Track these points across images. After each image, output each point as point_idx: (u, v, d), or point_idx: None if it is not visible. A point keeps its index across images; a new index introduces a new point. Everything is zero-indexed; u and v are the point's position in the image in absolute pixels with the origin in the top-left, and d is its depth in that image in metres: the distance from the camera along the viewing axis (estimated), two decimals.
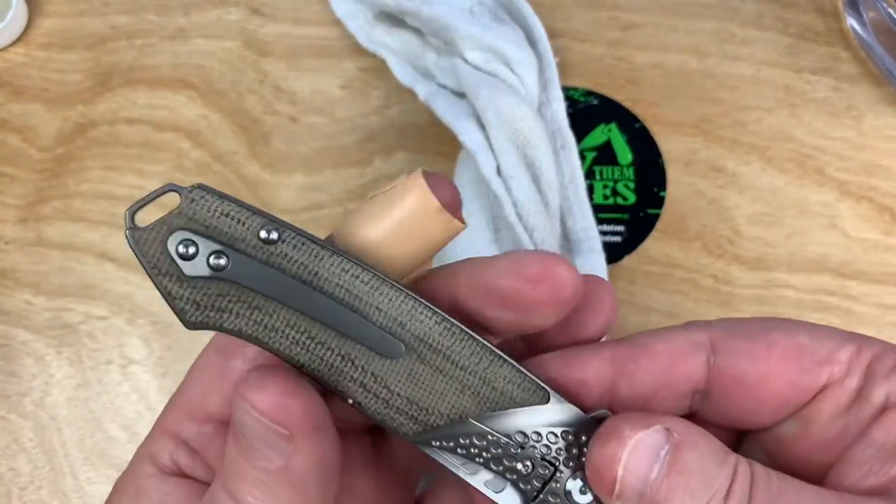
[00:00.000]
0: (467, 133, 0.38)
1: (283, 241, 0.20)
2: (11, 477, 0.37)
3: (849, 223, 0.39)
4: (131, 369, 0.39)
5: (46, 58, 0.46)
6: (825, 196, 0.40)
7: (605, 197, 0.41)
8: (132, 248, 0.19)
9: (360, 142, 0.43)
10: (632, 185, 0.41)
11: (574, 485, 0.21)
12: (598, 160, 0.41)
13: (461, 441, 0.21)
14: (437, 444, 0.21)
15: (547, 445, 0.21)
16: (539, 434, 0.21)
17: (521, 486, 0.21)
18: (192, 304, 0.20)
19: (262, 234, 0.20)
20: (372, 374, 0.20)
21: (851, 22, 0.43)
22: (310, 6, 0.46)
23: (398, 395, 0.20)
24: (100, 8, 0.47)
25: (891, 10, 0.40)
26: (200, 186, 0.20)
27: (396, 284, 0.21)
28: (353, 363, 0.20)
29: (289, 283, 0.20)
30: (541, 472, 0.21)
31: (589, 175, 0.41)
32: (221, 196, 0.20)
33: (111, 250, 0.41)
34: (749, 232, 0.39)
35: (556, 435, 0.21)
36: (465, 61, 0.40)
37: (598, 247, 0.37)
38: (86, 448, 0.38)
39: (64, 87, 0.46)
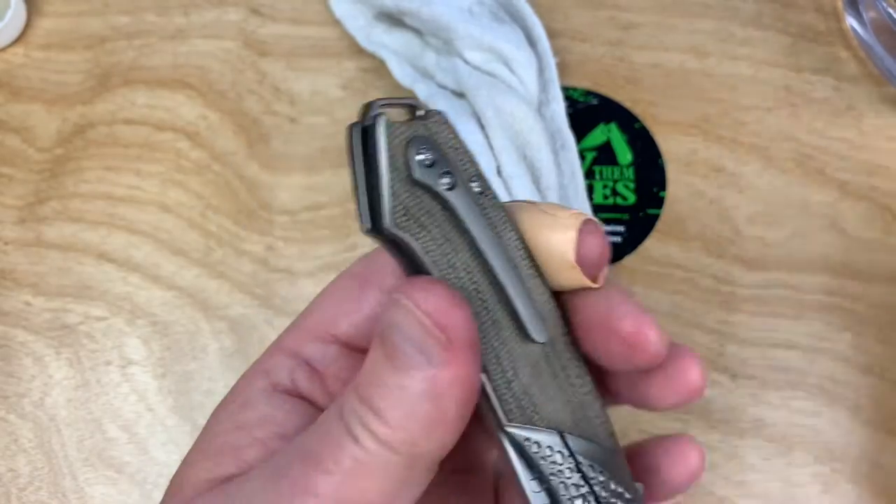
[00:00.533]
0: (467, 133, 0.38)
1: (485, 195, 0.21)
2: (11, 477, 0.37)
3: (849, 223, 0.39)
4: (130, 370, 0.39)
5: (45, 58, 0.46)
6: (825, 196, 0.40)
7: (605, 197, 0.40)
8: (375, 136, 0.19)
9: None
10: (632, 185, 0.41)
11: None
12: (597, 160, 0.41)
13: (544, 451, 0.21)
14: (525, 442, 0.21)
15: (604, 487, 0.21)
16: (604, 477, 0.21)
17: None
18: (403, 209, 0.19)
19: (474, 182, 0.21)
20: (509, 350, 0.20)
21: (851, 22, 0.43)
22: (309, 6, 0.46)
23: (520, 380, 0.21)
24: (99, 8, 0.47)
25: (891, 10, 0.40)
26: (442, 113, 0.20)
27: (546, 283, 0.21)
28: (498, 332, 0.20)
29: (479, 233, 0.20)
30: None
31: (589, 175, 0.41)
32: (454, 131, 0.21)
33: (110, 251, 0.41)
34: (749, 232, 0.39)
35: (611, 486, 0.21)
36: (465, 61, 0.40)
37: None
38: (85, 449, 0.38)
39: (63, 88, 0.46)
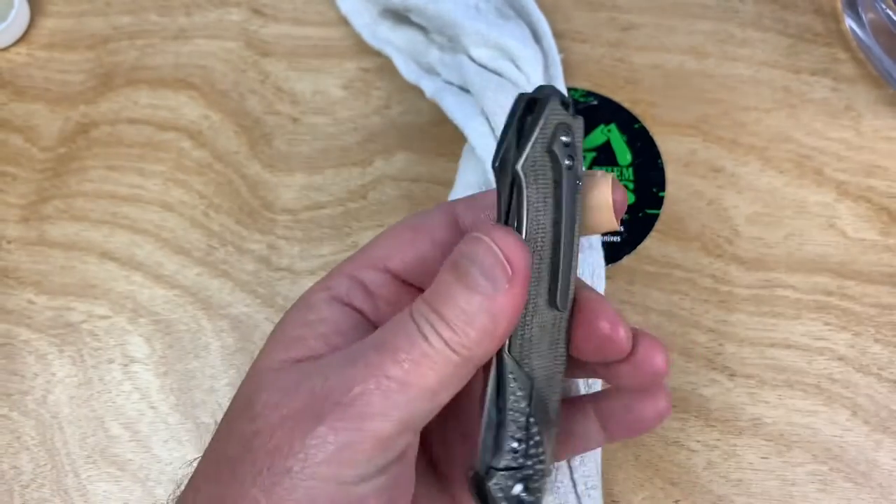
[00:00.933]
0: (478, 136, 0.38)
1: (580, 186, 0.26)
2: (13, 475, 0.38)
3: (847, 223, 0.39)
4: (133, 368, 0.39)
5: (48, 58, 0.47)
6: (824, 196, 0.40)
7: None
8: (543, 107, 0.24)
9: (360, 142, 0.43)
10: (631, 186, 0.41)
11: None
12: (597, 160, 0.41)
13: (517, 388, 0.26)
14: (510, 373, 0.25)
15: (535, 445, 0.26)
16: (538, 438, 0.26)
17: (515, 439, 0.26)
18: (533, 162, 0.24)
19: (579, 175, 0.25)
20: (535, 303, 0.25)
21: (850, 23, 0.43)
22: (311, 7, 0.47)
23: (531, 329, 0.25)
24: (102, 8, 0.48)
25: (889, 12, 0.40)
26: (580, 118, 0.25)
27: (577, 265, 0.26)
28: (537, 286, 0.25)
29: (567, 210, 0.25)
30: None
31: None
32: (583, 135, 0.26)
33: (113, 249, 0.42)
34: (748, 232, 0.39)
35: (539, 449, 0.26)
36: (471, 58, 0.40)
37: (598, 244, 0.38)
38: (87, 446, 0.38)
39: (66, 87, 0.46)
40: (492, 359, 0.25)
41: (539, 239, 0.25)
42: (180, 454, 0.38)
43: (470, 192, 0.38)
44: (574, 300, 0.27)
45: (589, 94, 0.43)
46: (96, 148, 0.44)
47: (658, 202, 0.40)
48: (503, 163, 0.24)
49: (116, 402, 0.39)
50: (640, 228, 0.40)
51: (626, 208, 0.27)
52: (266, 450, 0.22)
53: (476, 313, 0.23)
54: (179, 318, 0.40)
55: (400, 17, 0.44)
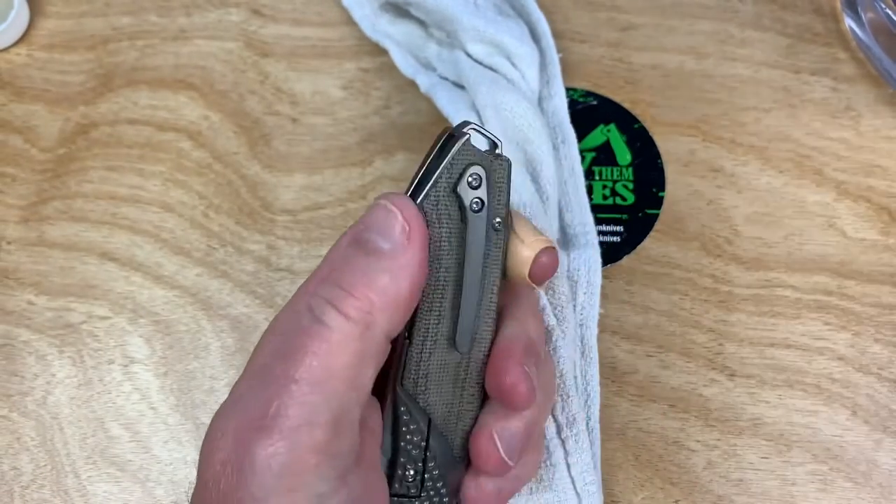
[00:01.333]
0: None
1: (499, 232, 0.26)
2: (13, 476, 0.38)
3: (847, 223, 0.39)
4: (133, 369, 0.39)
5: (48, 59, 0.47)
6: (823, 196, 0.40)
7: (605, 197, 0.41)
8: (451, 145, 0.24)
9: (360, 142, 0.43)
10: (630, 186, 0.41)
11: None
12: (597, 160, 0.41)
13: (411, 422, 0.26)
14: (402, 406, 0.26)
15: (433, 479, 0.27)
16: (438, 472, 0.27)
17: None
18: (435, 200, 0.25)
19: (497, 220, 0.26)
20: (435, 340, 0.26)
21: (850, 23, 0.43)
22: (310, 7, 0.47)
23: (429, 364, 0.26)
24: (101, 9, 0.48)
25: (889, 11, 0.40)
26: (506, 160, 0.26)
27: (495, 320, 0.27)
28: (438, 324, 0.26)
29: (473, 254, 0.26)
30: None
31: (588, 175, 0.41)
32: (508, 178, 0.26)
33: (113, 250, 0.42)
34: (747, 232, 0.39)
35: (438, 484, 0.27)
36: (467, 54, 0.40)
37: (595, 242, 0.37)
38: (87, 447, 0.38)
39: (66, 88, 0.46)
40: (390, 390, 0.26)
41: (441, 277, 0.25)
42: (180, 455, 0.38)
43: None
44: (491, 342, 0.27)
45: (588, 94, 0.43)
46: (96, 149, 0.44)
47: (658, 202, 0.40)
48: (411, 196, 0.25)
49: (116, 403, 0.39)
50: (640, 228, 0.40)
51: (552, 273, 0.27)
52: (217, 498, 0.22)
53: (376, 273, 0.23)
54: (179, 319, 0.40)
55: (400, 11, 0.44)
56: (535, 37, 0.41)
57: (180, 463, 0.37)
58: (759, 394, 0.36)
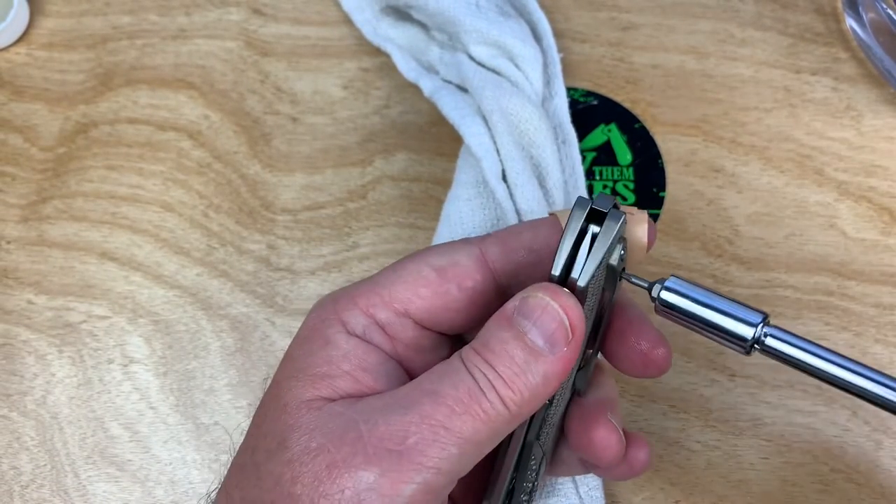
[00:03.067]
0: (473, 136, 0.38)
1: (605, 295, 0.27)
2: (13, 475, 0.38)
3: (847, 223, 0.39)
4: (132, 368, 0.39)
5: (48, 58, 0.47)
6: (824, 196, 0.40)
7: None
8: (612, 228, 0.24)
9: (360, 142, 0.43)
10: (631, 186, 0.41)
11: None
12: (597, 160, 0.41)
13: (533, 462, 0.28)
14: (533, 452, 0.28)
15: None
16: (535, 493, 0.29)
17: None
18: (593, 279, 0.24)
19: (622, 272, 0.27)
20: (564, 393, 0.27)
21: (850, 22, 0.43)
22: (311, 6, 0.47)
23: (556, 416, 0.27)
24: (101, 8, 0.48)
25: (890, 11, 0.40)
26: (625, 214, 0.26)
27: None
28: (571, 376, 0.27)
29: (604, 314, 0.27)
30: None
31: (589, 175, 0.41)
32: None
33: (112, 250, 0.42)
34: (748, 232, 0.39)
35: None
36: (470, 57, 0.40)
37: None
38: (87, 447, 0.38)
39: (65, 87, 0.46)
40: (515, 432, 0.26)
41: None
42: (180, 454, 0.38)
43: (467, 192, 0.38)
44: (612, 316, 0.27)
45: (589, 93, 0.43)
46: (96, 148, 0.44)
47: (658, 202, 0.40)
48: (562, 278, 0.24)
49: (116, 403, 0.39)
50: None
51: (654, 242, 0.28)
52: (310, 498, 0.22)
53: (531, 373, 0.23)
54: (179, 319, 0.40)
55: (401, 14, 0.44)
56: (535, 36, 0.41)
57: (180, 463, 0.37)
58: (759, 394, 0.36)
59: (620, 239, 0.25)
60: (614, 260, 0.25)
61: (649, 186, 0.41)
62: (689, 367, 0.37)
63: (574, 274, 0.24)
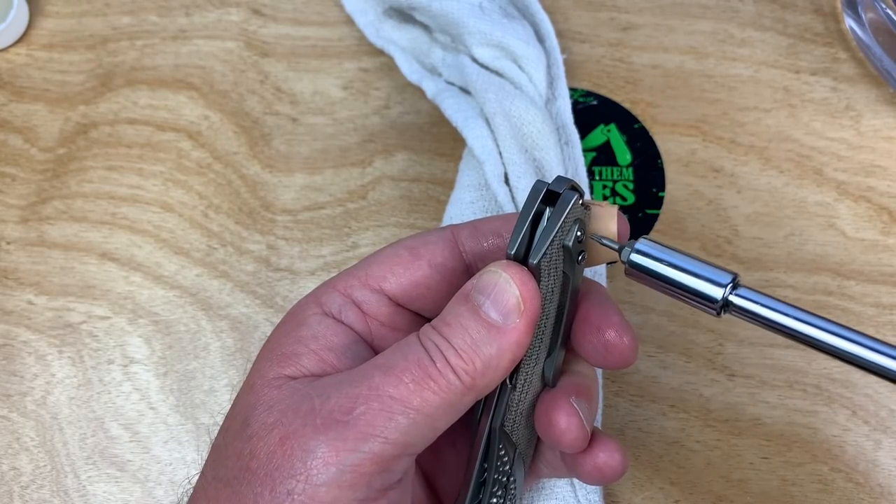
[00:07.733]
0: (476, 138, 0.38)
1: (568, 280, 0.26)
2: (13, 476, 0.38)
3: (847, 223, 0.39)
4: (132, 369, 0.39)
5: (48, 58, 0.47)
6: (823, 196, 0.40)
7: (605, 197, 0.41)
8: (565, 204, 0.24)
9: (360, 142, 0.43)
10: (631, 186, 0.41)
11: None
12: (597, 161, 0.41)
13: (503, 455, 0.28)
14: (500, 442, 0.27)
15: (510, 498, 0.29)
16: (513, 491, 0.29)
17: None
18: (548, 258, 0.24)
19: (580, 256, 0.26)
20: (531, 380, 0.27)
21: (850, 22, 0.43)
22: (311, 7, 0.47)
23: (525, 403, 0.27)
24: (101, 9, 0.48)
25: (889, 11, 0.40)
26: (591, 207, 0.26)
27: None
28: (534, 366, 0.26)
29: (569, 303, 0.26)
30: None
31: (588, 175, 0.41)
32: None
33: (112, 250, 0.42)
34: (747, 232, 0.39)
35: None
36: (473, 59, 0.40)
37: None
38: (87, 447, 0.38)
39: (65, 88, 0.46)
40: (481, 420, 0.27)
41: (542, 325, 0.26)
42: (180, 455, 0.38)
43: (469, 194, 0.38)
44: (577, 304, 0.27)
45: (589, 94, 0.43)
46: (96, 148, 0.44)
47: (658, 202, 0.40)
48: (518, 257, 0.25)
49: (116, 403, 0.39)
50: (640, 229, 0.40)
51: (628, 238, 0.28)
52: (266, 471, 0.22)
53: (484, 343, 0.23)
54: (179, 319, 0.40)
55: (404, 16, 0.44)
56: (539, 38, 0.41)
57: (180, 463, 0.37)
58: (759, 394, 0.36)
59: (576, 221, 0.25)
60: (569, 241, 0.25)
61: (649, 186, 0.41)
62: (688, 367, 0.37)
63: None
